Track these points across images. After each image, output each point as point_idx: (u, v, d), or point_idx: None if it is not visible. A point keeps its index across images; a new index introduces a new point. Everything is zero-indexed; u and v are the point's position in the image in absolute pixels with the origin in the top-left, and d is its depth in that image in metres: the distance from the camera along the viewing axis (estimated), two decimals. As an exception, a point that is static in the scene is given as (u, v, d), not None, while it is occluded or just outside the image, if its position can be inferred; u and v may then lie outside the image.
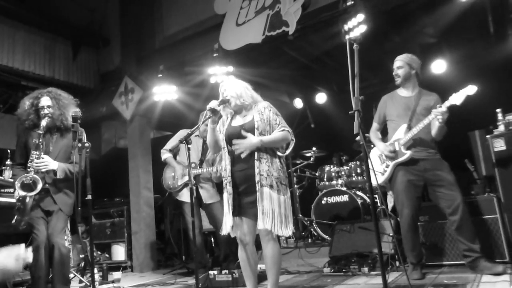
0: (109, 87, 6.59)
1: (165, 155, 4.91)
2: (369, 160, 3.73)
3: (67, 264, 3.30)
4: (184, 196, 4.74)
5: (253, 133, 2.87)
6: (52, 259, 3.23)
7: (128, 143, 6.63)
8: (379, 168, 3.76)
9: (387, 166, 3.68)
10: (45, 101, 3.47)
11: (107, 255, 6.36)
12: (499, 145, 3.80)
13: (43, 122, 3.38)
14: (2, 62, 5.49)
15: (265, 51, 5.50)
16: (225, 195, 2.98)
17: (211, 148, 3.13)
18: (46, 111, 3.44)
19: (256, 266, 3.04)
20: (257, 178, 2.81)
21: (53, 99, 3.49)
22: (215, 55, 5.44)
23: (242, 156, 2.86)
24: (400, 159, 3.57)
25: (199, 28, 5.89)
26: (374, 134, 3.89)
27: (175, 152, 4.93)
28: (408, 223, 3.53)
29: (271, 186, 2.81)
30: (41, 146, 3.37)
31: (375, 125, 3.91)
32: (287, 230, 2.80)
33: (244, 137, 2.87)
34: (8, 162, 4.83)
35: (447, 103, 3.36)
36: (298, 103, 7.51)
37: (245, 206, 2.89)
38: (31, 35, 5.91)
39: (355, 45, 2.94)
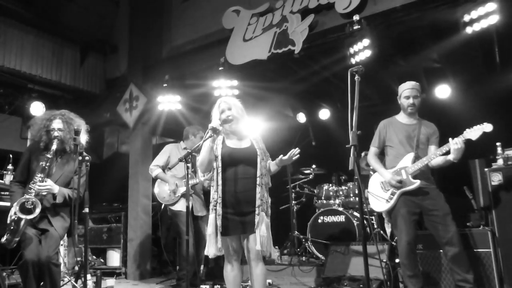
0: (115, 94, 6.63)
1: (156, 171, 4.90)
2: (370, 186, 3.76)
3: (58, 281, 3.27)
4: (178, 206, 4.78)
5: (256, 158, 3.13)
6: (43, 276, 3.19)
7: (129, 150, 6.66)
8: (383, 195, 3.65)
9: (392, 194, 3.58)
10: (57, 123, 3.50)
11: (102, 260, 6.38)
12: (497, 179, 3.80)
13: (54, 147, 3.39)
14: (10, 65, 5.53)
15: (271, 67, 5.56)
16: (212, 216, 3.06)
17: (202, 166, 3.16)
18: (56, 133, 3.46)
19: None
20: (257, 203, 3.03)
21: (65, 122, 3.52)
22: (220, 68, 5.49)
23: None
24: (408, 188, 3.51)
25: (206, 41, 5.94)
26: (374, 159, 3.80)
27: (163, 167, 4.95)
28: (406, 250, 3.48)
29: (265, 212, 3.06)
30: (46, 169, 3.35)
31: (374, 150, 3.82)
32: (274, 252, 2.99)
33: (248, 159, 3.11)
34: (10, 166, 4.85)
35: (462, 138, 3.31)
36: (302, 117, 7.57)
37: (235, 226, 3.02)
38: (39, 39, 5.97)
39: (356, 77, 2.98)
